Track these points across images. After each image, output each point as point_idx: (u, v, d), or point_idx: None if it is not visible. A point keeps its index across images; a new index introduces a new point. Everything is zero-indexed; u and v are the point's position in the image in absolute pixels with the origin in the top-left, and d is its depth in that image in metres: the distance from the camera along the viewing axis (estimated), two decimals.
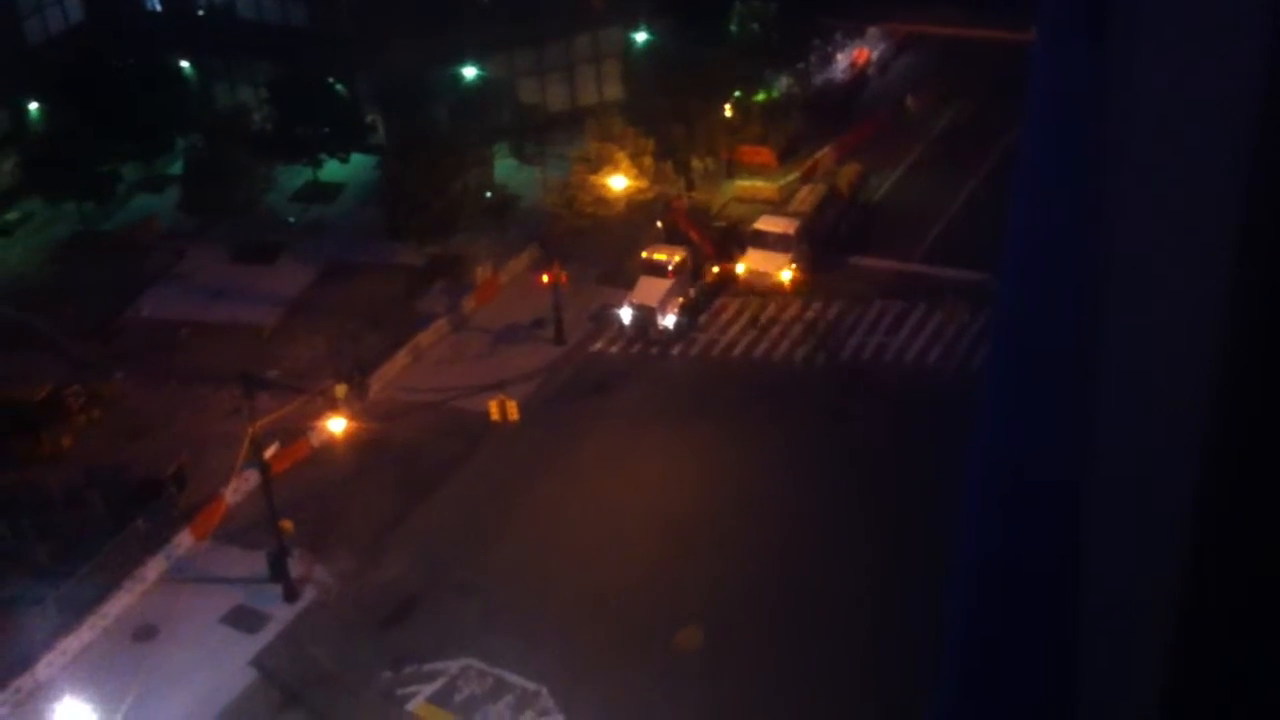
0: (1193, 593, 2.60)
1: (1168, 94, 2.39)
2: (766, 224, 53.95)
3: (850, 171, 59.05)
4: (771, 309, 51.98)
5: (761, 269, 52.80)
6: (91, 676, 37.92)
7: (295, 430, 45.15)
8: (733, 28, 62.21)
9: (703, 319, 52.08)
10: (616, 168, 55.24)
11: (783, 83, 64.40)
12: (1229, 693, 2.67)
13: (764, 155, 60.92)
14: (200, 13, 64.80)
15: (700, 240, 53.66)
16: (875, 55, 69.84)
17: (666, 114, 56.44)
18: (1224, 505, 2.52)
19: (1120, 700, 2.71)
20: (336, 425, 43.69)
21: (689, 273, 52.26)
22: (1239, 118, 2.32)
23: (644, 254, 52.44)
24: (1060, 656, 2.76)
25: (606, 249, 55.07)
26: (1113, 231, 2.48)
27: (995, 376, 2.81)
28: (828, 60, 68.08)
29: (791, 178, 59.76)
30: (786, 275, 52.61)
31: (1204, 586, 2.59)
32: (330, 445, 45.38)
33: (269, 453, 40.66)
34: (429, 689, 36.95)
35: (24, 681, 37.78)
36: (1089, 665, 2.72)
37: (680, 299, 51.42)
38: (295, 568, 40.69)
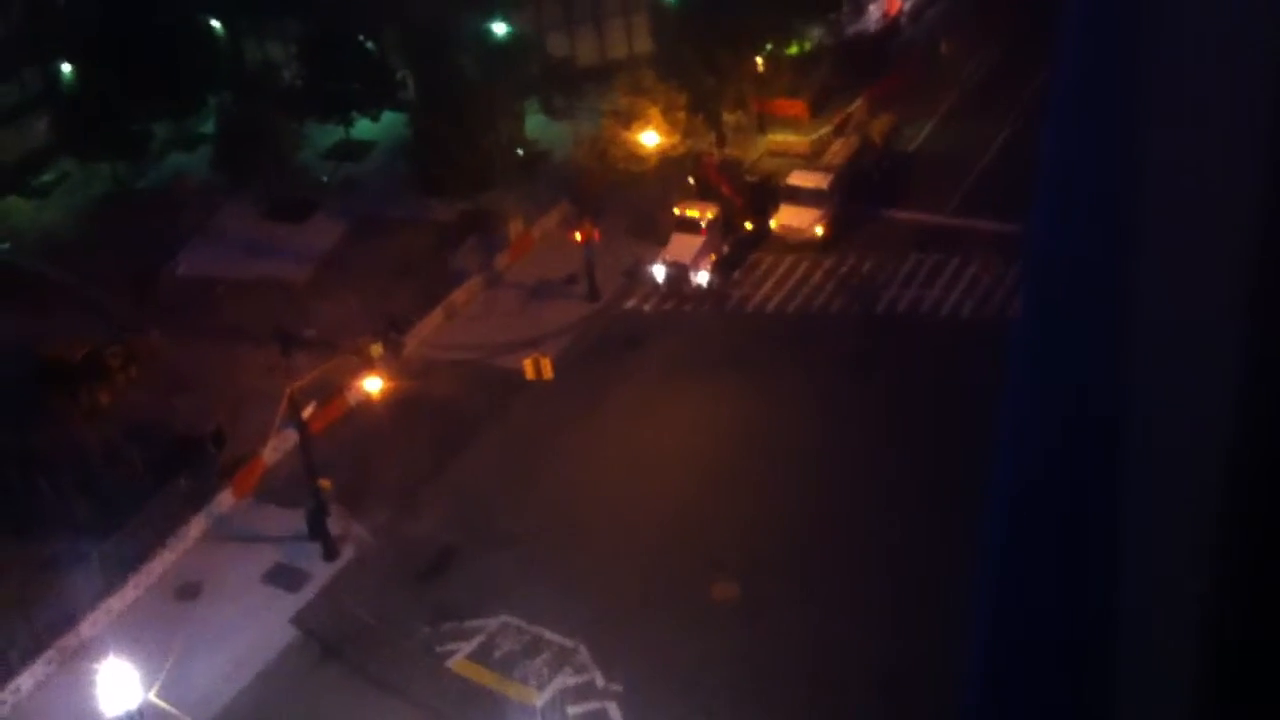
0: (1234, 529, 2.64)
1: (1203, 33, 2.41)
2: (800, 178, 53.67)
3: (883, 123, 58.62)
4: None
5: (795, 224, 52.61)
6: (135, 634, 38.37)
7: (331, 388, 45.39)
8: None
9: (736, 274, 51.98)
10: (648, 122, 54.98)
11: (815, 34, 63.84)
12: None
13: (796, 108, 60.51)
14: None
15: (733, 195, 53.47)
16: (908, 3, 69.14)
17: (697, 67, 56.06)
18: (1267, 439, 2.55)
19: (1161, 641, 2.75)
20: (373, 384, 43.87)
21: (722, 228, 52.09)
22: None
23: (676, 210, 52.26)
24: (1097, 594, 2.79)
25: (639, 205, 54.93)
26: (1145, 166, 2.51)
27: (1028, 315, 2.85)
28: (860, 10, 67.42)
29: (824, 130, 59.38)
30: (819, 230, 52.41)
31: (1247, 525, 2.63)
32: (366, 403, 45.61)
33: (306, 412, 40.89)
34: (468, 646, 37.28)
35: (68, 639, 38.31)
36: (1127, 604, 2.76)
37: (713, 255, 51.31)
38: (334, 525, 41.03)
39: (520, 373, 46.03)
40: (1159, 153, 2.48)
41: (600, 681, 35.77)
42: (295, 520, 41.43)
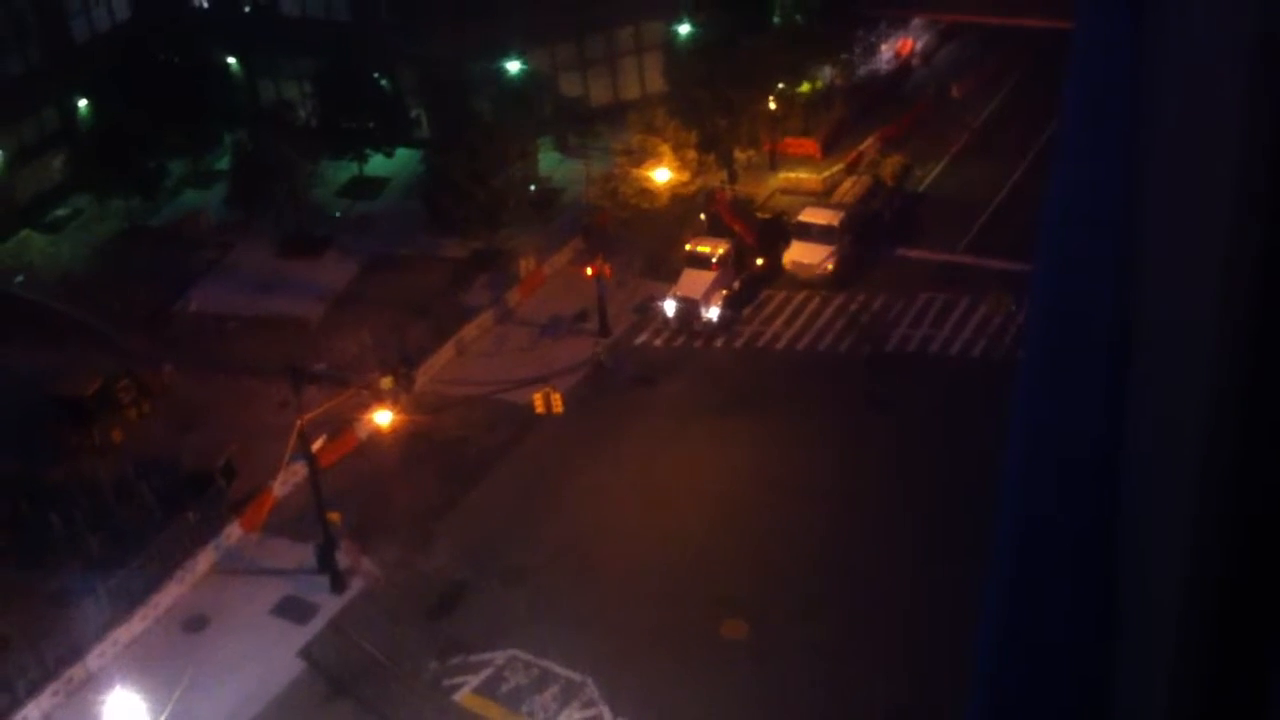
0: (1230, 569, 2.64)
1: (1200, 64, 2.43)
2: (811, 215, 53.85)
3: (894, 162, 58.89)
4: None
5: (806, 260, 52.73)
6: (142, 666, 38.32)
7: (342, 422, 45.43)
8: (776, 18, 62.05)
9: (746, 311, 52.04)
10: (660, 160, 55.20)
11: (826, 73, 64.19)
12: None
13: (808, 146, 60.78)
14: (245, 9, 65.24)
15: (744, 232, 53.62)
16: (919, 45, 69.51)
17: (709, 106, 56.33)
18: (1263, 477, 2.56)
19: (1155, 686, 2.75)
20: (383, 418, 43.90)
21: (732, 265, 52.22)
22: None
23: (688, 246, 52.43)
24: (1098, 634, 2.79)
25: (650, 241, 55.06)
26: (1148, 204, 2.52)
27: (1033, 347, 2.86)
28: (872, 50, 67.79)
29: (835, 169, 59.63)
30: (830, 266, 52.51)
31: (1240, 563, 2.63)
32: (376, 437, 45.64)
33: (316, 445, 40.91)
34: (475, 680, 37.16)
35: (76, 671, 38.21)
36: (1126, 646, 2.76)
37: (724, 291, 51.41)
38: (343, 559, 40.97)
39: (531, 408, 46.06)
40: (1167, 194, 2.51)
41: (608, 716, 35.61)
42: (304, 553, 41.39)
